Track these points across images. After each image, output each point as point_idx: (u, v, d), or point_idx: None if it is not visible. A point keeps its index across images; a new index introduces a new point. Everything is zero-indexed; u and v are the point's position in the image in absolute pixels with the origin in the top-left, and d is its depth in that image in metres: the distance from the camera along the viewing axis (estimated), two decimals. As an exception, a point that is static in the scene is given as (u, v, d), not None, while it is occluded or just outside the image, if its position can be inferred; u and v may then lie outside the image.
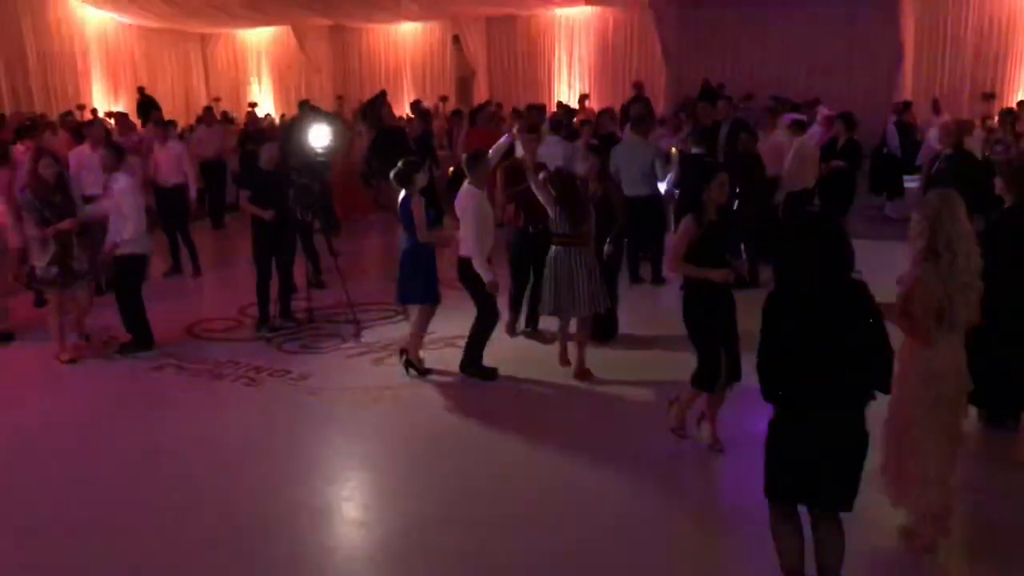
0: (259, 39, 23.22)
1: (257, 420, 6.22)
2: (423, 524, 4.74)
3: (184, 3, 18.87)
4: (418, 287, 6.76)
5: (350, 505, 5.05)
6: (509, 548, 4.46)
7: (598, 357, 6.90)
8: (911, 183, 12.73)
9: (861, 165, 11.11)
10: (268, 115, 19.47)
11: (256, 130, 14.71)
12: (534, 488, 5.08)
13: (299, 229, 9.12)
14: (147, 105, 17.12)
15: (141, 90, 19.38)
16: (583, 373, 6.71)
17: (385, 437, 5.92)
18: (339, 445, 5.86)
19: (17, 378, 7.26)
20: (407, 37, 22.28)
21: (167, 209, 10.47)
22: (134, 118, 15.72)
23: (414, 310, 7.13)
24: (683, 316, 5.32)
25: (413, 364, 6.87)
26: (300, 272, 8.59)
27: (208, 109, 14.66)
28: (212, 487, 5.20)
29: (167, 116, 16.04)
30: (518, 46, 21.23)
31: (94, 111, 17.90)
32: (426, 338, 7.70)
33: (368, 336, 7.91)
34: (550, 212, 6.56)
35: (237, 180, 13.51)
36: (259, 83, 23.23)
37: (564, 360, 6.92)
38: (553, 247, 6.59)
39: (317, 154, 8.94)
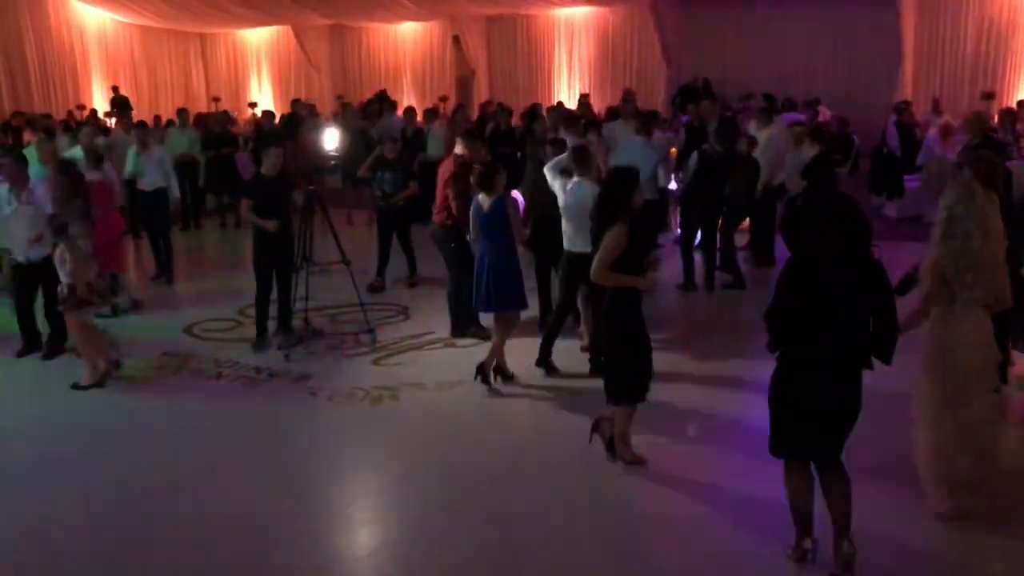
0: (259, 39, 23.22)
1: (256, 420, 6.21)
2: (424, 526, 4.73)
3: (184, 3, 18.86)
4: (520, 291, 6.52)
5: (351, 506, 5.05)
6: (509, 551, 4.46)
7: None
8: (911, 183, 12.71)
9: (847, 161, 11.03)
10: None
11: (224, 132, 13.96)
12: (536, 489, 5.07)
13: (395, 225, 9.30)
14: (122, 104, 17.05)
15: (115, 89, 19.35)
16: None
17: (386, 438, 5.90)
18: (339, 445, 5.84)
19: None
20: (407, 37, 22.25)
21: (147, 212, 10.35)
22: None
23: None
24: (611, 327, 5.09)
25: (505, 372, 6.64)
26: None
27: (180, 111, 14.48)
28: (210, 486, 5.19)
29: (166, 117, 16.10)
30: (518, 46, 21.18)
31: (93, 111, 17.89)
32: (426, 338, 7.70)
33: (367, 336, 7.89)
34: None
35: (207, 184, 13.45)
36: (259, 82, 23.23)
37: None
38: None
39: (332, 158, 8.82)
